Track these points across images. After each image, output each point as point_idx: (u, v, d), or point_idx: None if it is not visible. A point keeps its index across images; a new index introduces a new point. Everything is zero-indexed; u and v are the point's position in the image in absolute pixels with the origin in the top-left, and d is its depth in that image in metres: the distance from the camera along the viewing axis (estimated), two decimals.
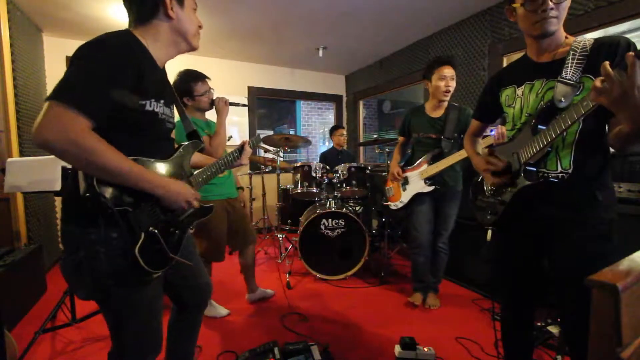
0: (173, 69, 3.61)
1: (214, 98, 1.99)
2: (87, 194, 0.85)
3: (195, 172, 1.16)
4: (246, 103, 2.22)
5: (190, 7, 1.06)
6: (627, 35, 3.28)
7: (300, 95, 5.01)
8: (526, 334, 1.31)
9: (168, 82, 1.09)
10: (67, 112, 0.77)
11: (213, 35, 3.47)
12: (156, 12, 0.98)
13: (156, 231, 0.95)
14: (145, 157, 0.94)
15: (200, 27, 1.09)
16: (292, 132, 6.87)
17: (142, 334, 1.02)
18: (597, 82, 0.80)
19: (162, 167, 0.99)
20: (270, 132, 6.24)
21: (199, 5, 1.10)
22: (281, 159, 3.43)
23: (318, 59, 4.16)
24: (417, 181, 2.26)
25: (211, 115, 2.11)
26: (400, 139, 2.46)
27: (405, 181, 2.34)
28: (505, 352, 1.34)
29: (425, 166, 2.23)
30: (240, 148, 1.35)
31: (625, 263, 0.54)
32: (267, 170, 4.08)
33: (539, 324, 1.87)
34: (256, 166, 4.32)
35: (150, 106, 0.94)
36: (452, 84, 2.15)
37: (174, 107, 1.13)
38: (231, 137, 4.07)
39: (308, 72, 4.93)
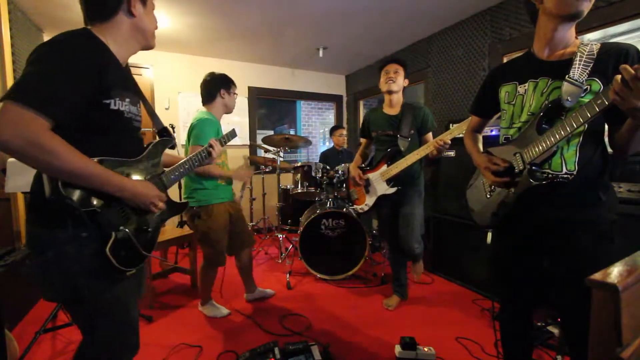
0: (174, 70, 3.68)
1: (248, 168, 2.26)
2: (52, 196, 0.84)
3: (167, 170, 1.15)
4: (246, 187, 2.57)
5: (151, 7, 1.06)
6: (627, 35, 3.27)
7: (301, 95, 5.01)
8: (525, 334, 1.31)
9: (133, 79, 1.08)
10: (24, 111, 0.75)
11: (213, 36, 3.47)
12: (118, 9, 0.97)
13: (127, 230, 0.95)
14: (112, 156, 0.93)
15: (156, 27, 1.09)
16: (292, 132, 6.87)
17: (118, 333, 1.02)
18: (618, 79, 0.79)
19: (132, 166, 0.98)
20: (271, 132, 6.23)
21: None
22: (281, 159, 3.44)
23: (318, 59, 4.15)
24: (379, 183, 2.25)
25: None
26: (363, 141, 2.46)
27: (368, 183, 2.33)
28: (505, 352, 1.34)
29: (384, 167, 2.22)
30: (210, 147, 1.33)
31: (625, 263, 0.54)
32: (267, 170, 4.08)
33: (539, 324, 1.87)
34: (256, 166, 4.32)
35: (115, 105, 0.93)
36: (395, 77, 2.16)
37: (141, 106, 1.10)
38: None
39: (308, 72, 4.92)
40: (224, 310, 2.22)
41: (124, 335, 1.04)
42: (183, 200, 1.18)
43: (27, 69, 0.81)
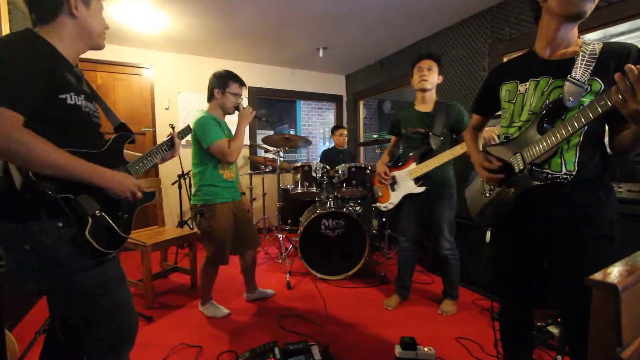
0: (174, 70, 3.66)
1: (242, 105, 2.11)
2: (26, 187, 0.85)
3: (131, 162, 1.17)
4: (269, 120, 2.58)
5: (97, 8, 1.06)
6: (627, 35, 3.26)
7: (300, 95, 5.01)
8: (526, 334, 1.31)
9: (84, 78, 1.09)
10: None
11: (213, 36, 3.47)
12: (59, 11, 0.97)
13: (104, 214, 0.97)
14: (76, 149, 0.95)
15: (107, 28, 1.10)
16: (292, 132, 6.87)
17: (112, 315, 1.03)
18: (619, 77, 0.79)
19: (96, 158, 1.00)
20: (271, 132, 6.22)
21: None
22: (281, 159, 3.44)
23: (318, 59, 4.15)
24: (406, 181, 2.19)
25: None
26: (393, 139, 2.42)
27: (394, 181, 2.27)
28: (505, 352, 1.34)
29: (413, 165, 2.16)
30: (170, 140, 1.36)
31: (625, 263, 0.54)
32: (267, 170, 4.08)
33: (539, 324, 1.87)
34: (256, 166, 4.32)
35: (71, 100, 0.95)
36: (429, 74, 2.11)
37: (96, 104, 1.12)
38: None
39: (308, 72, 4.92)
40: (224, 310, 2.22)
41: (119, 316, 1.05)
42: (151, 190, 1.20)
43: None
